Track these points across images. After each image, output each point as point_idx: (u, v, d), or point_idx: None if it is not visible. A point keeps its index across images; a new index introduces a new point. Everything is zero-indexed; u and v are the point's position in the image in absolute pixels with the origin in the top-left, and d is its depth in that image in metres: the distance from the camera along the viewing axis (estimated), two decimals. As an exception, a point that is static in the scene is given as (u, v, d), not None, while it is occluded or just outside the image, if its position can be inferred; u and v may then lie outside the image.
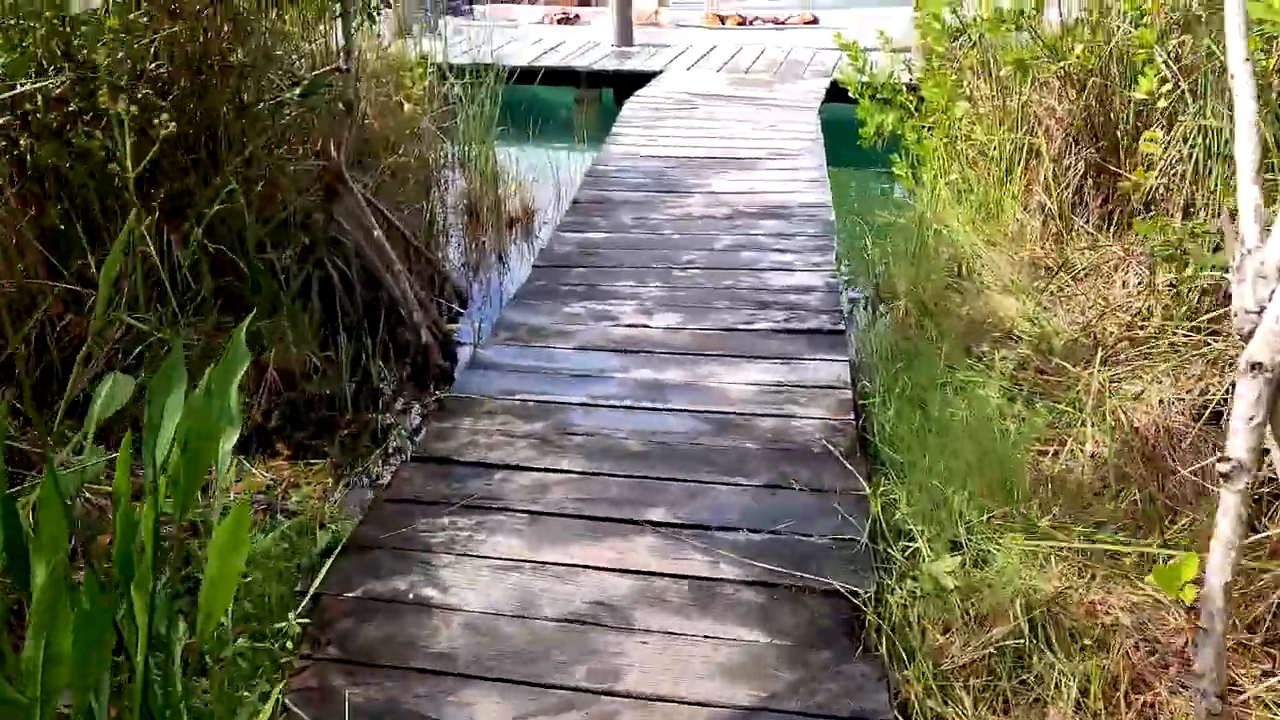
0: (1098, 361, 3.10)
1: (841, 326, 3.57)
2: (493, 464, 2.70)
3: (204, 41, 3.56)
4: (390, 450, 3.38)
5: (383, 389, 3.80)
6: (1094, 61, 4.19)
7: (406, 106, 4.97)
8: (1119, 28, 4.16)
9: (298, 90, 3.55)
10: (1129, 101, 4.47)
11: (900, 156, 5.66)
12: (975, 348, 3.65)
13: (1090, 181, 4.59)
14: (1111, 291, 3.73)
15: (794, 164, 5.36)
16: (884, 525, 2.58)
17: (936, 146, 5.33)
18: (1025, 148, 4.73)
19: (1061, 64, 4.03)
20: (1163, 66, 3.58)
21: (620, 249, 4.26)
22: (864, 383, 3.44)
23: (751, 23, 9.81)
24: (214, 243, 3.55)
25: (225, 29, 3.69)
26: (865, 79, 5.90)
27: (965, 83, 5.17)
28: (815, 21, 9.66)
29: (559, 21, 9.73)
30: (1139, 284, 3.68)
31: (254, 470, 3.16)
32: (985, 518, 2.58)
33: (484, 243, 5.29)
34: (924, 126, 5.64)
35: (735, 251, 4.21)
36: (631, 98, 6.82)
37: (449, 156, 6.17)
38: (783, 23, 9.69)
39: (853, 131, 5.92)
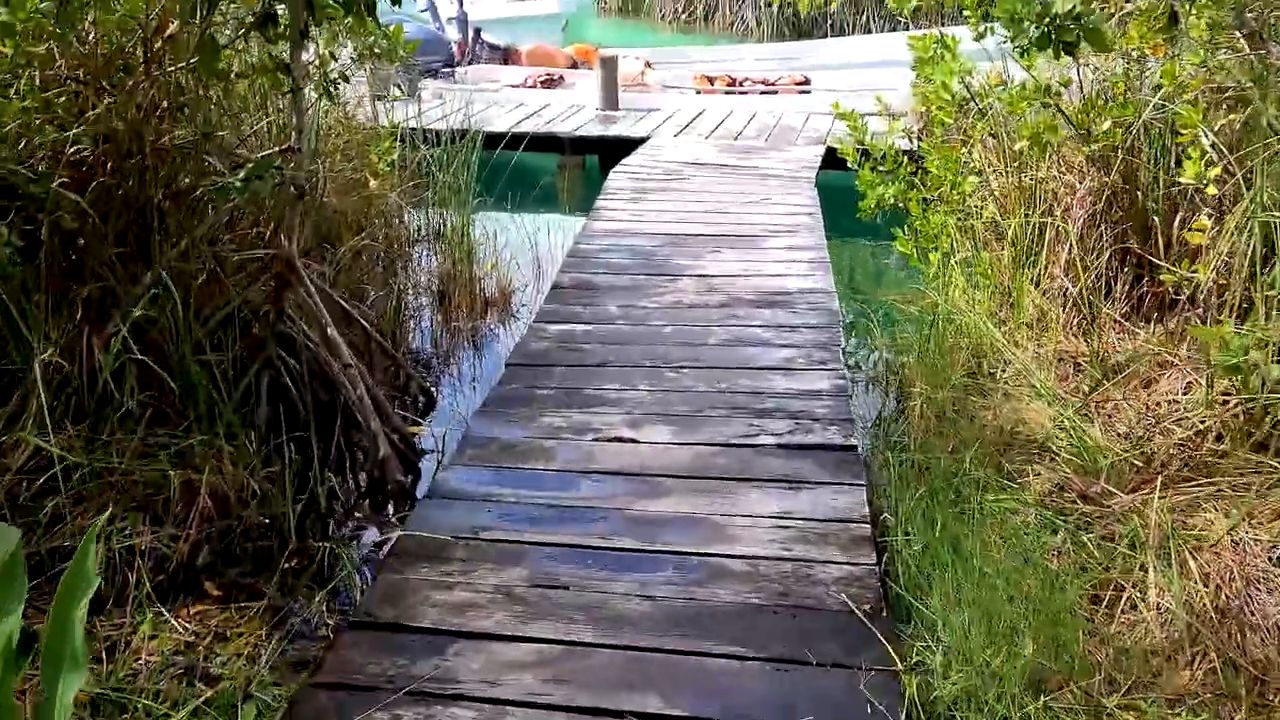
0: (1157, 492, 2.68)
1: (854, 441, 3.15)
2: (450, 631, 2.25)
3: (134, 121, 3.16)
4: (337, 589, 2.93)
5: (335, 509, 3.36)
6: (1120, 137, 3.84)
7: (372, 183, 4.58)
8: (1151, 102, 3.82)
9: (241, 174, 3.14)
10: (1157, 180, 4.12)
11: (903, 231, 5.31)
12: (1005, 461, 3.24)
13: (1117, 266, 4.23)
14: (1156, 397, 3.33)
15: (792, 242, 4.98)
16: (920, 712, 2.15)
17: (944, 223, 4.97)
18: (1044, 228, 4.36)
19: (1092, 146, 3.66)
20: (1209, 148, 3.22)
21: (605, 344, 3.85)
22: (881, 504, 3.02)
23: (741, 84, 9.54)
24: (144, 346, 3.13)
25: (162, 106, 3.30)
26: (864, 148, 5.56)
27: (975, 155, 4.82)
28: (806, 83, 9.40)
29: (543, 84, 9.44)
30: (1190, 390, 3.28)
31: (174, 622, 2.71)
32: (1043, 701, 2.15)
33: (456, 328, 4.87)
34: (928, 199, 5.30)
35: (732, 347, 3.80)
36: (617, 167, 6.46)
37: (421, 231, 5.79)
38: (773, 85, 9.42)
39: (850, 198, 5.57)
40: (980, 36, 4.41)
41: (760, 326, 3.98)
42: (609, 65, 8.31)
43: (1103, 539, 2.73)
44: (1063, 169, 4.42)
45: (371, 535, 3.30)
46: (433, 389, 4.19)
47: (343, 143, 4.69)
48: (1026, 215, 4.44)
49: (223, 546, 3.02)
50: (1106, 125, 3.76)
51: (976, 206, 4.83)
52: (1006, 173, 4.59)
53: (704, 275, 4.56)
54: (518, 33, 14.14)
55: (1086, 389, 3.62)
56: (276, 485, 3.18)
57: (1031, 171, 4.44)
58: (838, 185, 6.57)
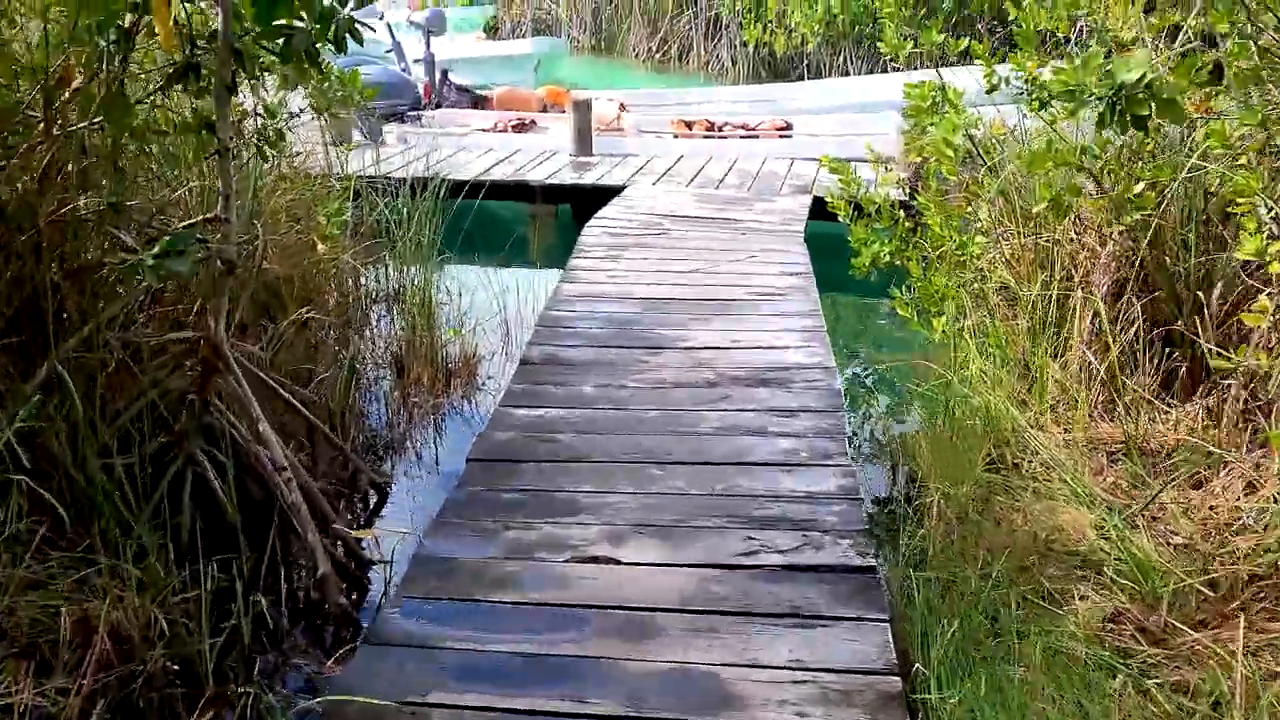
0: (1241, 639, 2.25)
1: (872, 560, 2.70)
2: None
3: (28, 190, 2.70)
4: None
5: (264, 640, 2.87)
6: (1153, 201, 3.46)
7: (321, 246, 4.12)
8: (1188, 163, 3.45)
9: (155, 249, 2.68)
10: (1187, 244, 3.75)
11: (901, 290, 4.92)
12: (1043, 578, 2.81)
13: (1144, 335, 3.84)
14: (1213, 500, 2.92)
15: (784, 307, 4.56)
16: None
17: (948, 285, 4.58)
18: (1062, 296, 3.97)
19: (1135, 214, 3.27)
20: (1269, 219, 2.84)
21: (580, 433, 3.39)
22: (905, 639, 2.58)
23: (720, 129, 9.17)
24: (35, 455, 2.65)
25: (63, 171, 2.85)
26: (856, 202, 5.19)
27: (982, 214, 4.44)
28: (788, 128, 9.05)
29: (514, 128, 9.04)
30: (1250, 491, 2.88)
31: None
32: None
33: (416, 404, 4.40)
34: (927, 256, 4.93)
35: (724, 437, 3.35)
36: (591, 221, 6.04)
37: (379, 293, 5.33)
38: (753, 129, 9.07)
39: (840, 249, 5.19)
40: (993, 89, 4.04)
41: (755, 410, 3.54)
42: (582, 109, 7.92)
43: (1174, 688, 2.30)
44: (1081, 229, 4.04)
45: (309, 669, 2.82)
46: (386, 482, 3.71)
47: (288, 200, 4.24)
48: (1045, 282, 4.05)
49: (122, 698, 2.52)
50: (1139, 188, 3.37)
51: (985, 268, 4.44)
52: (1019, 234, 4.21)
53: (689, 348, 4.12)
54: (488, 73, 13.80)
55: (1126, 485, 3.21)
56: (193, 617, 2.70)
57: (1049, 233, 4.06)
58: (826, 236, 6.20)
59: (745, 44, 16.69)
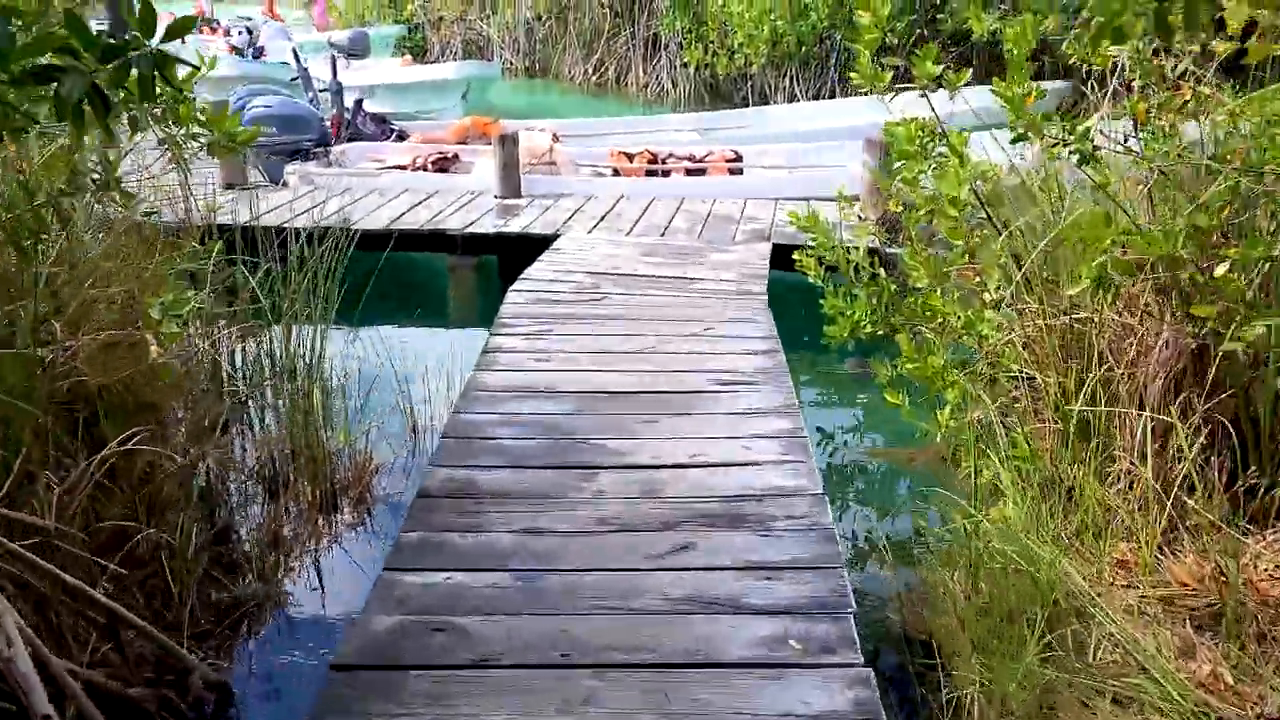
0: None
1: None
2: None
3: None
4: None
5: None
6: (1242, 285, 2.66)
7: (154, 349, 3.16)
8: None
9: None
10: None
11: (885, 365, 4.10)
12: None
13: (1207, 446, 3.05)
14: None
15: (754, 401, 3.69)
16: None
17: (947, 368, 3.76)
18: (1100, 394, 3.17)
19: (1212, 312, 2.47)
20: None
21: (489, 617, 2.48)
22: None
23: (664, 161, 8.33)
24: None
25: None
26: (828, 261, 4.36)
27: (991, 284, 3.62)
28: (738, 159, 8.24)
29: (434, 165, 8.10)
30: None
31: None
32: None
33: (288, 541, 3.45)
34: (918, 330, 4.12)
35: (683, 617, 2.46)
36: (516, 284, 5.12)
37: (254, 381, 4.37)
38: (700, 161, 8.24)
39: (801, 299, 4.38)
40: (1020, 138, 3.22)
41: (724, 568, 2.66)
42: (508, 145, 7.02)
43: None
44: (1126, 308, 3.24)
45: None
46: (228, 680, 2.76)
47: (113, 290, 3.27)
48: (1080, 374, 3.24)
49: None
50: (1223, 270, 2.57)
51: (996, 348, 3.63)
52: (1043, 311, 3.39)
53: (636, 465, 3.23)
54: (413, 100, 12.84)
55: (1229, 674, 2.38)
56: None
57: (1085, 311, 3.25)
58: (784, 282, 5.36)
59: (686, 65, 15.96)
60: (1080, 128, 2.87)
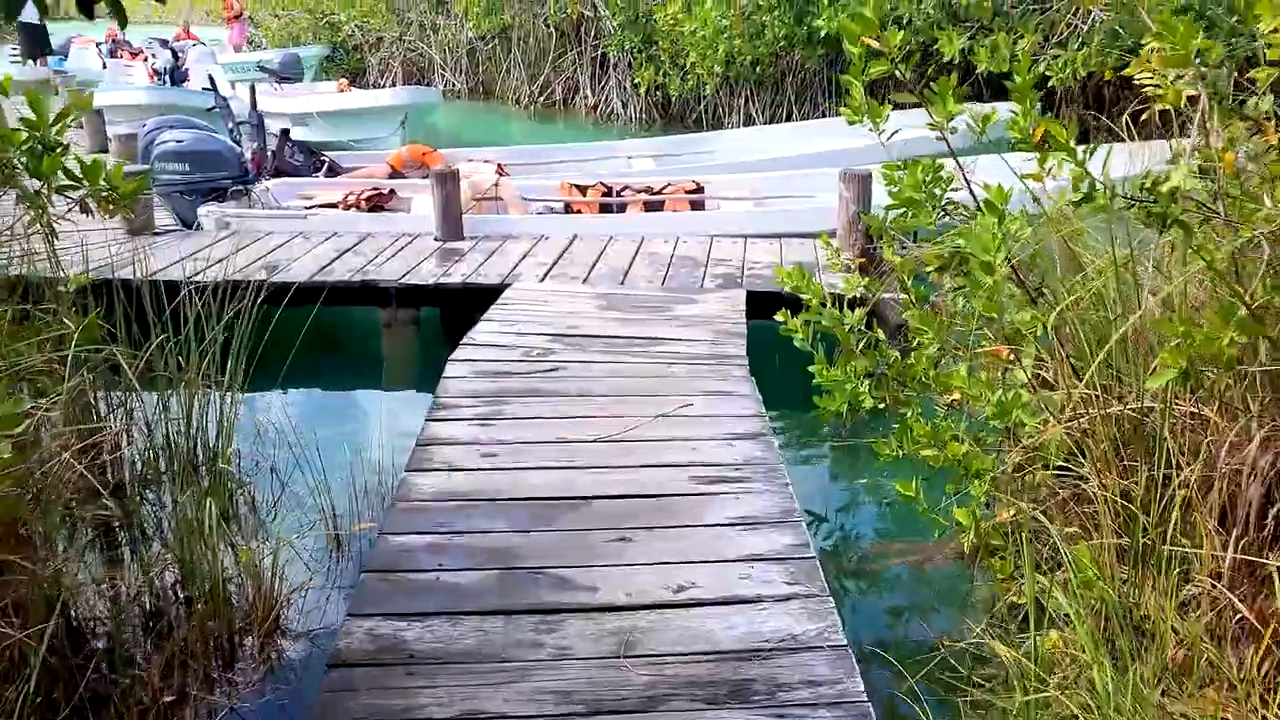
0: None
1: None
2: None
3: None
4: None
5: None
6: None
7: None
8: None
9: None
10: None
11: (891, 445, 3.52)
12: None
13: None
14: None
15: (747, 510, 3.05)
16: None
17: (971, 460, 3.17)
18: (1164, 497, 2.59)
19: None
20: None
21: None
22: None
23: (620, 193, 7.70)
24: None
25: None
26: (820, 323, 3.77)
27: (1027, 360, 3.03)
28: (699, 190, 7.63)
29: (367, 202, 7.38)
30: None
31: None
32: None
33: (169, 708, 2.73)
34: (926, 404, 3.56)
35: None
36: (459, 350, 4.43)
37: (134, 487, 3.65)
38: (658, 193, 7.62)
39: (777, 345, 3.77)
40: (1084, 199, 2.63)
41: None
42: (448, 184, 6.33)
43: None
44: (1204, 401, 2.65)
45: None
46: None
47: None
48: (1149, 478, 2.65)
49: None
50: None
51: (1035, 440, 3.03)
52: (1099, 402, 2.80)
53: (607, 607, 2.57)
54: (349, 129, 12.09)
55: None
56: None
57: (1150, 400, 2.66)
58: (758, 328, 4.75)
59: (637, 86, 15.39)
60: (1165, 187, 2.27)
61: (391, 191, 7.82)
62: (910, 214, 3.64)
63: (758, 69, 11.72)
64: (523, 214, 7.47)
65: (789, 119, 13.12)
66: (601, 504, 3.07)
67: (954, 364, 3.39)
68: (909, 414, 3.47)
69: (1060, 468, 2.90)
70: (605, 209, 7.67)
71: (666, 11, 13.12)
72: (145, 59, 14.98)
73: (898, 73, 3.14)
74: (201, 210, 6.73)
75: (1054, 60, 7.53)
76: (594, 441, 3.48)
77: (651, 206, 7.63)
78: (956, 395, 3.24)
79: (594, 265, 5.86)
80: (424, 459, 3.37)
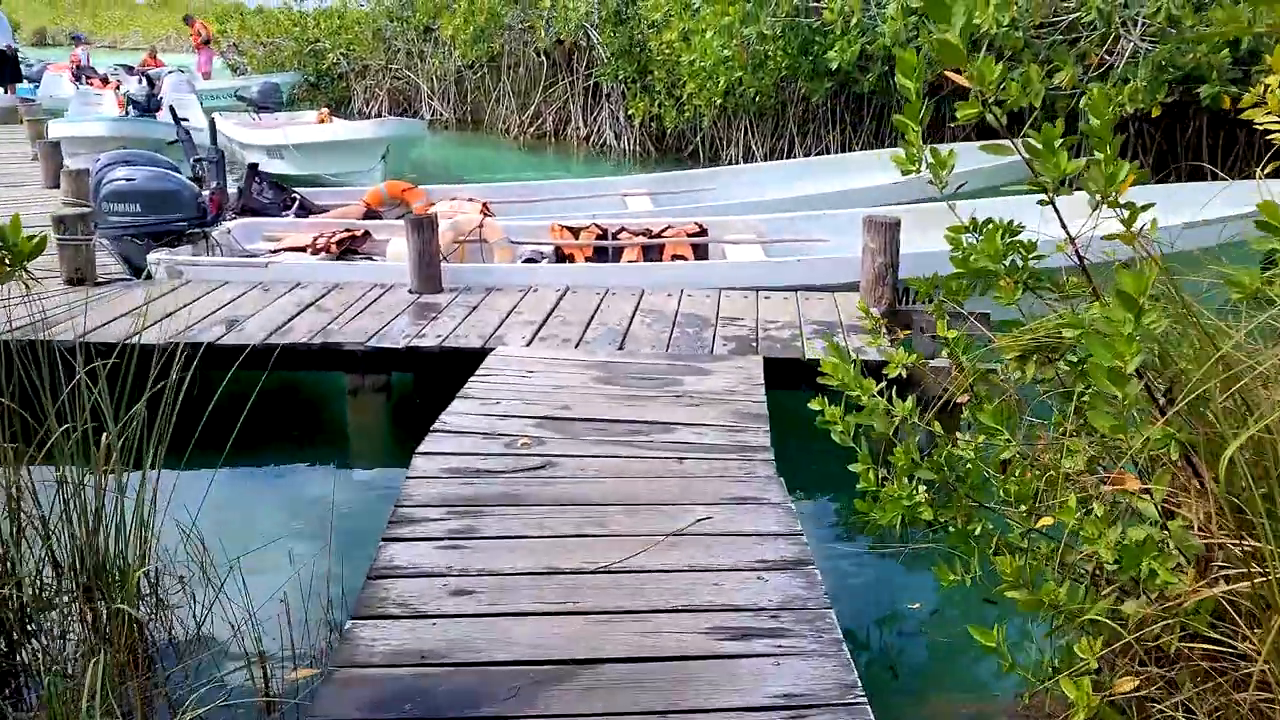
0: None
1: None
2: None
3: None
4: None
5: None
6: None
7: None
8: None
9: None
10: None
11: (957, 571, 2.86)
12: None
13: None
14: None
15: (789, 682, 2.33)
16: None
17: (1076, 599, 2.49)
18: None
19: None
20: None
21: None
22: None
23: (616, 235, 7.05)
24: None
25: None
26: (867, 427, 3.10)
27: (1158, 492, 2.35)
28: (702, 233, 6.98)
29: (338, 247, 6.71)
30: None
31: None
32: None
33: None
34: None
35: None
36: (430, 438, 3.72)
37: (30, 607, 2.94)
38: (657, 235, 6.97)
39: (799, 424, 3.10)
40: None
41: None
42: (424, 231, 5.65)
43: None
44: None
45: None
46: None
47: None
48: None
49: None
50: None
51: (1175, 589, 2.35)
52: (1274, 556, 2.11)
53: None
54: (327, 162, 11.43)
55: None
56: None
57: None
58: (777, 401, 4.09)
59: (630, 117, 14.80)
60: None
61: (365, 233, 7.15)
62: (982, 289, 2.99)
63: (757, 100, 11.12)
64: (509, 259, 6.81)
65: (790, 152, 12.54)
66: (605, 671, 2.36)
67: (1028, 468, 2.73)
68: (979, 531, 2.81)
69: (1208, 637, 2.22)
70: (600, 253, 7.02)
71: (662, 40, 12.55)
72: (117, 86, 14.31)
73: (991, 118, 2.47)
74: (151, 258, 6.04)
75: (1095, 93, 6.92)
76: (590, 573, 2.78)
77: (650, 250, 6.98)
78: (1050, 521, 2.58)
79: (589, 324, 5.18)
80: (376, 600, 2.66)
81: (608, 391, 4.19)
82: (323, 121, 13.64)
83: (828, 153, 12.03)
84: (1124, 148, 9.57)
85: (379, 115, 18.93)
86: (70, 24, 56.93)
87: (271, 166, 11.94)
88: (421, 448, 3.58)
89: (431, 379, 5.02)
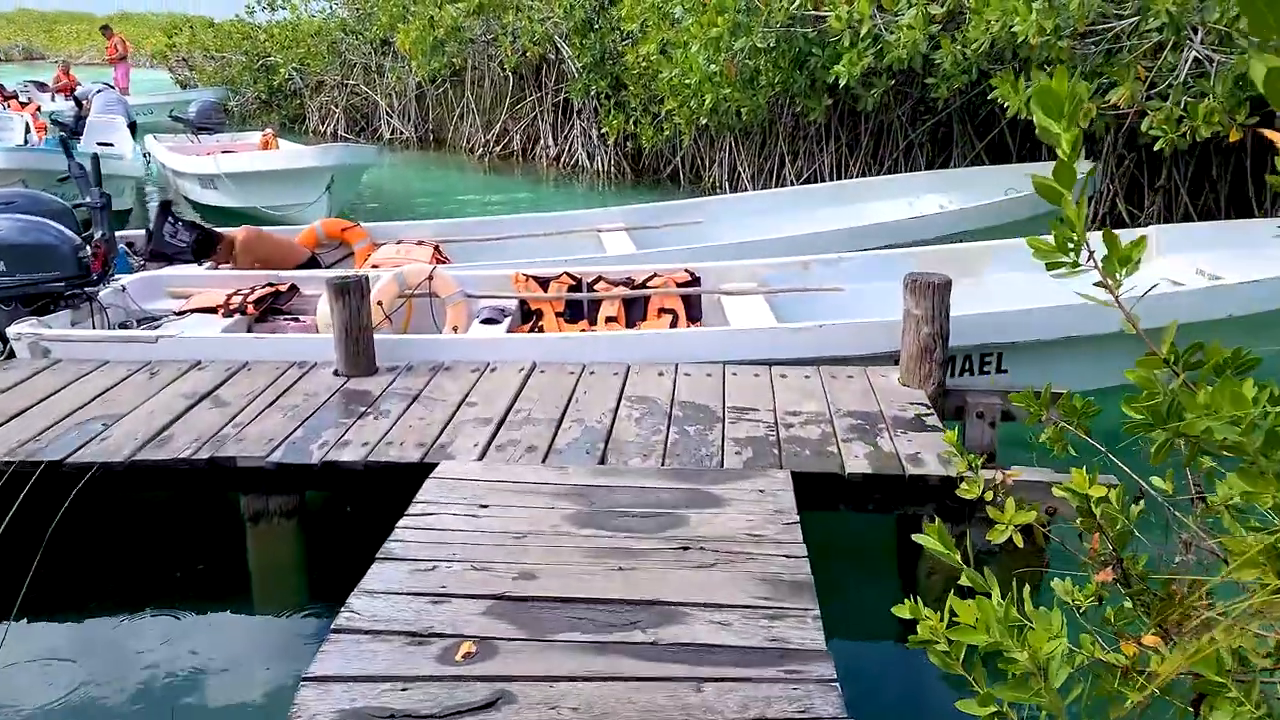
0: None
1: None
2: None
3: None
4: None
5: None
6: None
7: None
8: None
9: None
10: None
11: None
12: None
13: None
14: None
15: None
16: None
17: None
18: None
19: None
20: None
21: None
22: None
23: (593, 285, 5.93)
24: None
25: None
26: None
27: None
28: (694, 281, 5.87)
29: (256, 308, 5.54)
30: None
31: None
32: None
33: None
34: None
35: None
36: (318, 660, 2.52)
37: None
38: (641, 285, 5.84)
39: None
40: None
41: None
42: (352, 300, 4.49)
43: None
44: None
45: None
46: None
47: None
48: None
49: None
50: None
51: None
52: None
53: None
54: (264, 195, 10.22)
55: None
56: None
57: None
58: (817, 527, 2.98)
59: (604, 136, 13.69)
60: None
61: (292, 288, 5.98)
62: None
63: (743, 117, 10.05)
64: (465, 318, 5.67)
65: (779, 173, 11.47)
66: None
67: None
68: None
69: None
70: (573, 309, 5.88)
71: (639, 53, 11.45)
72: (38, 109, 12.99)
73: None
74: (11, 331, 4.83)
75: (1160, 114, 5.89)
76: None
77: (633, 305, 5.85)
78: None
79: (560, 420, 4.04)
80: None
81: (587, 540, 3.04)
82: (266, 145, 12.44)
83: (822, 175, 10.97)
84: (1199, 179, 8.57)
85: (335, 134, 17.73)
86: (25, 39, 55.09)
87: (205, 198, 10.74)
88: (312, 668, 2.41)
89: (356, 503, 3.88)
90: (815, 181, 10.92)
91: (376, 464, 3.67)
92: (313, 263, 7.10)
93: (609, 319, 5.81)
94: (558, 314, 5.92)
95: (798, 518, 3.22)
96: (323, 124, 18.55)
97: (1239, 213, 8.46)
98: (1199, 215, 8.60)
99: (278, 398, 4.28)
